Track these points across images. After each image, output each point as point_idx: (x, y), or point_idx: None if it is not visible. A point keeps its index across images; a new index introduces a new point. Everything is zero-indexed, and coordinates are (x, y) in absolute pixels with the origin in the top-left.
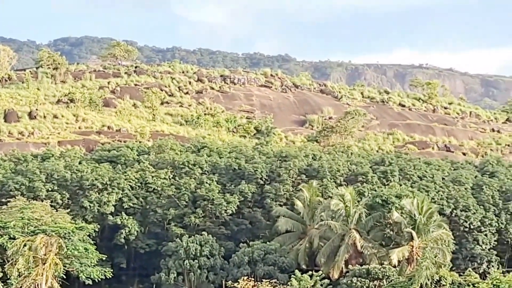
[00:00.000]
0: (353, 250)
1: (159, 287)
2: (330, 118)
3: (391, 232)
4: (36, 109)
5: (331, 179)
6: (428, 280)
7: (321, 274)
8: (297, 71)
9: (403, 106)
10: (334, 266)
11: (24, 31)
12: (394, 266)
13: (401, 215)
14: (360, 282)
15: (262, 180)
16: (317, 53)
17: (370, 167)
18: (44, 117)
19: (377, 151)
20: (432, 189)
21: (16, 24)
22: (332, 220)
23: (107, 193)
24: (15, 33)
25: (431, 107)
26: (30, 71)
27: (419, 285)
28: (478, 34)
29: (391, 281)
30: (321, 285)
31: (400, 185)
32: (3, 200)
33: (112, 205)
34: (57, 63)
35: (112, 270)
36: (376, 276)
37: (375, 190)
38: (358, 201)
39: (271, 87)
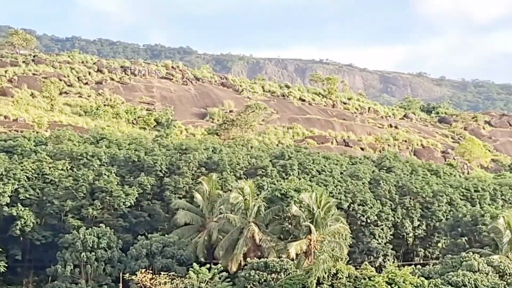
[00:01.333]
0: (251, 243)
1: (55, 279)
2: (230, 111)
3: (290, 226)
4: None
5: (230, 172)
6: (325, 273)
7: (220, 267)
8: (199, 64)
9: (303, 100)
10: (233, 259)
11: None
12: (292, 260)
13: (300, 209)
14: (258, 275)
15: (162, 172)
16: (219, 46)
17: (270, 160)
18: None
19: (277, 145)
20: (330, 183)
21: None
22: (231, 213)
23: (2, 184)
24: None
25: (331, 102)
26: None
27: (316, 278)
28: (377, 30)
29: (289, 274)
30: (219, 278)
31: (299, 179)
32: None
33: (8, 196)
34: None
35: (6, 262)
36: (274, 269)
37: (275, 184)
38: (258, 195)
39: (172, 79)
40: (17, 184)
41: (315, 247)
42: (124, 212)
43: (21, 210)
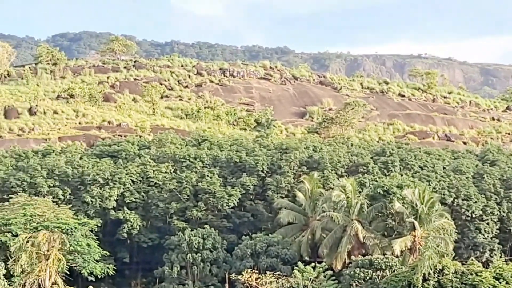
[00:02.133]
0: (355, 241)
1: (162, 281)
2: (330, 109)
3: (393, 223)
4: (36, 105)
5: (332, 170)
6: (431, 269)
7: (324, 266)
8: (296, 63)
9: (403, 96)
10: (337, 257)
11: (22, 28)
12: (397, 256)
13: (403, 205)
14: (363, 273)
15: (263, 172)
16: (316, 44)
17: (371, 157)
18: (44, 113)
19: (378, 142)
20: (433, 178)
21: (15, 21)
22: (334, 211)
23: (108, 188)
24: (13, 30)
25: (431, 97)
26: (29, 67)
27: (422, 274)
28: (476, 22)
29: (394, 271)
30: (324, 276)
31: (401, 175)
32: (5, 196)
33: (114, 200)
34: (56, 58)
35: (115, 265)
36: (379, 267)
37: (376, 181)
38: (360, 192)
39: (271, 79)
40: (123, 188)
41: (419, 243)
42: (227, 213)
43: (127, 213)
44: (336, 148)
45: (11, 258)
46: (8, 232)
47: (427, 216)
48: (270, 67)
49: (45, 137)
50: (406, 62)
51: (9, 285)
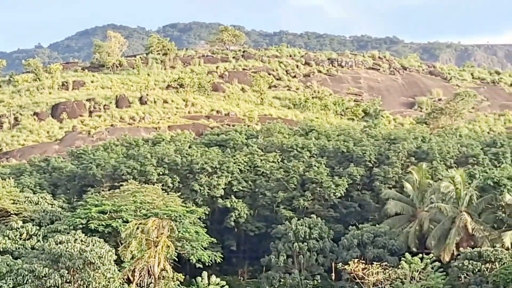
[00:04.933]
0: (464, 233)
1: (269, 269)
2: (439, 100)
3: (503, 215)
4: (147, 95)
5: (440, 161)
6: None
7: (432, 257)
8: (405, 53)
9: None
10: (445, 249)
11: (134, 18)
12: (507, 249)
13: None
14: (472, 265)
15: (371, 162)
16: (426, 34)
17: (481, 149)
18: (155, 102)
19: (488, 133)
20: None
21: (127, 11)
22: (442, 202)
23: (216, 177)
24: (125, 20)
25: None
26: (140, 57)
27: None
28: None
29: (504, 264)
30: (432, 268)
31: None
32: (116, 184)
33: (222, 188)
34: (167, 49)
35: (222, 253)
36: (488, 259)
37: (486, 172)
38: (469, 183)
39: (379, 69)
40: (230, 177)
41: None
42: (334, 203)
43: (235, 202)
44: (445, 139)
45: (122, 244)
46: (119, 218)
47: None
48: (379, 57)
49: (155, 126)
50: None
51: (119, 270)
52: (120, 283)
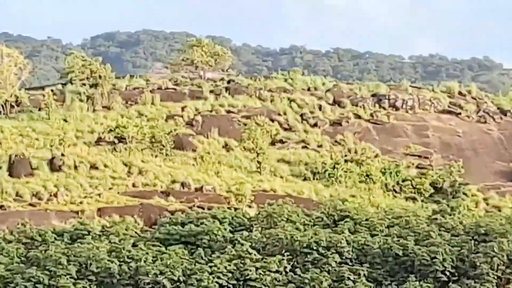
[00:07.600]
0: None
1: None
2: None
3: None
4: (62, 155)
5: None
6: None
7: None
8: (505, 86)
9: None
10: None
11: (43, 25)
12: None
13: None
14: None
15: (445, 274)
16: None
17: None
18: (76, 167)
19: None
20: None
21: (32, 15)
22: None
23: None
24: (29, 28)
25: None
26: (52, 91)
27: None
28: None
29: None
30: None
31: None
32: None
33: None
34: (98, 76)
35: None
36: None
37: None
38: None
39: (460, 113)
40: None
41: None
42: None
43: None
44: None
45: None
46: None
47: None
48: (460, 92)
49: (76, 208)
50: None
51: None
52: None
